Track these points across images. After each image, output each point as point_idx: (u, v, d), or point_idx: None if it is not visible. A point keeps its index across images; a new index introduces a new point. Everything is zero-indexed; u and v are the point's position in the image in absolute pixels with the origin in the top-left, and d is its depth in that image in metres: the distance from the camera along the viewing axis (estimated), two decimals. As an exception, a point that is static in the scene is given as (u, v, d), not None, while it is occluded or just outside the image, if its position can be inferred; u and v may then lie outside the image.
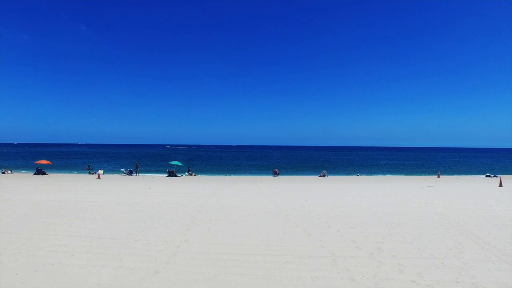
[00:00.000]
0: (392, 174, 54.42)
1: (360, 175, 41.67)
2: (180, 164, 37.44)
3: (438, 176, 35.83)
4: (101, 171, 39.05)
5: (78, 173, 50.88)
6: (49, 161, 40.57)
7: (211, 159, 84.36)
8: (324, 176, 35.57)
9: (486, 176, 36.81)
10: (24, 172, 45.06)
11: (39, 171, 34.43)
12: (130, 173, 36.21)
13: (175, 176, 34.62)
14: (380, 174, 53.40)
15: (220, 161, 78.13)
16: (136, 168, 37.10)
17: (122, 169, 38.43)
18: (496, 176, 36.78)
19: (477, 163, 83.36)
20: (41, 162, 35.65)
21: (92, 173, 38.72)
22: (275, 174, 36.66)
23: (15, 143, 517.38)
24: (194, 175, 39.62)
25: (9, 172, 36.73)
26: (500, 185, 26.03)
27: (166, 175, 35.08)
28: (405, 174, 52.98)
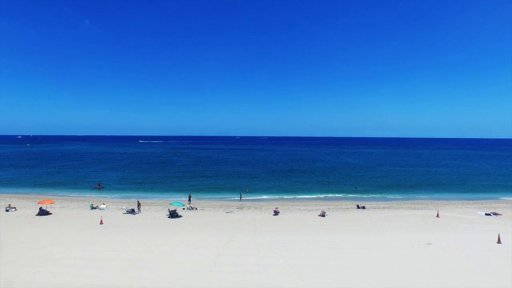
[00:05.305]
0: (393, 194, 55.05)
1: (360, 207, 41.81)
2: (181, 205, 38.03)
3: (437, 216, 35.96)
4: (103, 206, 39.67)
5: (83, 192, 52.01)
6: (52, 199, 41.34)
7: (212, 170, 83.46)
8: (323, 215, 35.87)
9: (486, 214, 36.90)
10: (27, 196, 45.63)
11: (43, 212, 34.97)
12: (132, 211, 36.70)
13: (177, 216, 35.08)
14: (381, 195, 53.95)
15: (220, 173, 77.74)
16: (139, 205, 37.61)
17: (124, 207, 38.89)
18: (496, 215, 36.88)
19: (479, 173, 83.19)
20: (44, 203, 36.19)
21: (95, 207, 39.26)
22: (276, 213, 37.03)
23: (19, 136, 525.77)
24: (196, 209, 40.14)
25: (13, 209, 37.29)
26: (499, 241, 26.18)
27: (168, 215, 35.53)
28: (407, 195, 53.40)
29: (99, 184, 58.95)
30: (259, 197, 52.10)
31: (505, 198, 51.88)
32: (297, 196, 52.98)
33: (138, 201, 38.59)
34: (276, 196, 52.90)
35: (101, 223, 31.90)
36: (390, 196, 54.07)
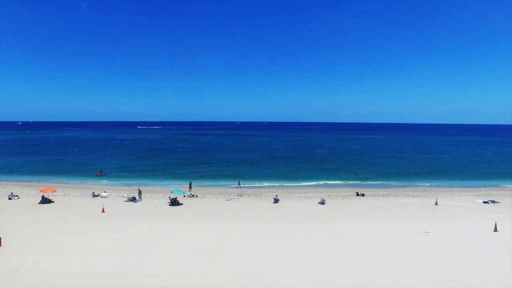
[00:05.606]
0: (393, 181, 55.34)
1: (360, 194, 42.12)
2: (182, 193, 38.30)
3: (436, 204, 36.26)
4: (105, 193, 39.96)
5: (84, 180, 52.35)
6: (54, 187, 41.67)
7: (212, 157, 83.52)
8: (322, 203, 36.19)
9: (484, 202, 37.19)
10: (29, 184, 45.41)
11: (45, 200, 35.30)
12: (133, 199, 37.03)
13: (178, 204, 35.43)
14: (381, 182, 54.27)
15: (221, 160, 77.76)
16: (140, 193, 37.92)
17: (125, 195, 39.19)
18: (494, 202, 37.17)
19: (478, 160, 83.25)
20: (46, 191, 36.44)
21: (97, 195, 39.59)
22: (276, 200, 37.34)
23: (19, 122, 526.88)
24: (196, 196, 40.48)
25: (16, 197, 37.63)
26: (496, 229, 26.49)
27: (169, 202, 35.86)
28: (406, 182, 53.67)
29: (101, 171, 59.28)
30: (259, 184, 52.39)
31: (504, 185, 52.16)
32: (297, 184, 53.27)
33: (139, 189, 38.89)
34: (276, 183, 53.18)
35: (103, 211, 32.23)
36: (390, 183, 54.34)
